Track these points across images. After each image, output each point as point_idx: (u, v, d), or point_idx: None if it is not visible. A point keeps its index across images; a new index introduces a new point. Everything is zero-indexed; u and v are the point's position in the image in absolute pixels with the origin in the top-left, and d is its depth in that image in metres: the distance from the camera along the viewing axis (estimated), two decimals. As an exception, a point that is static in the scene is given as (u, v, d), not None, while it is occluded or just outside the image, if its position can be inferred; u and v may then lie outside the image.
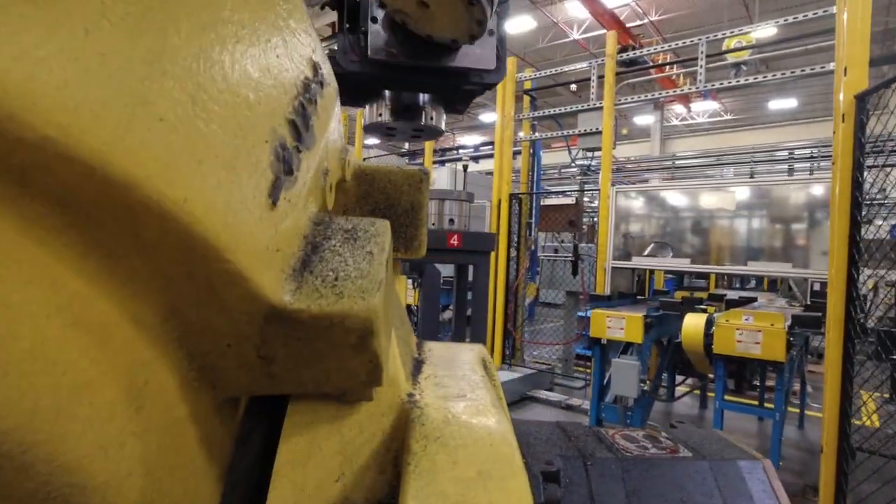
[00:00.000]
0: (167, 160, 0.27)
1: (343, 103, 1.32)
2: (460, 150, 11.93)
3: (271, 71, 0.40)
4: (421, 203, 0.68)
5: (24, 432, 0.24)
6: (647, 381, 4.93)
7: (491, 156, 8.02)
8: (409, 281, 7.27)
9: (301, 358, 0.38)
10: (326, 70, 0.55)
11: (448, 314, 6.99)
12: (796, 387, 5.80)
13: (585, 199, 10.48)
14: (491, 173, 8.00)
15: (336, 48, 1.09)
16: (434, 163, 9.87)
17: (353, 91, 1.22)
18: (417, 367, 0.51)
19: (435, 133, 1.36)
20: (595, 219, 7.49)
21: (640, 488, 0.83)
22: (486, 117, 21.59)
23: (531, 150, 8.16)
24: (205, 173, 0.30)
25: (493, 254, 6.80)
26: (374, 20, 1.04)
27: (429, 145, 8.88)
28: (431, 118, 1.30)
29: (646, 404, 4.67)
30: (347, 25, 1.07)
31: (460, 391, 0.45)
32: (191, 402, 0.36)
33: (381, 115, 1.28)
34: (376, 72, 1.08)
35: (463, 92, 1.23)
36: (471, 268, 4.75)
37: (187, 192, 0.29)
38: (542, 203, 7.49)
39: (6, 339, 0.23)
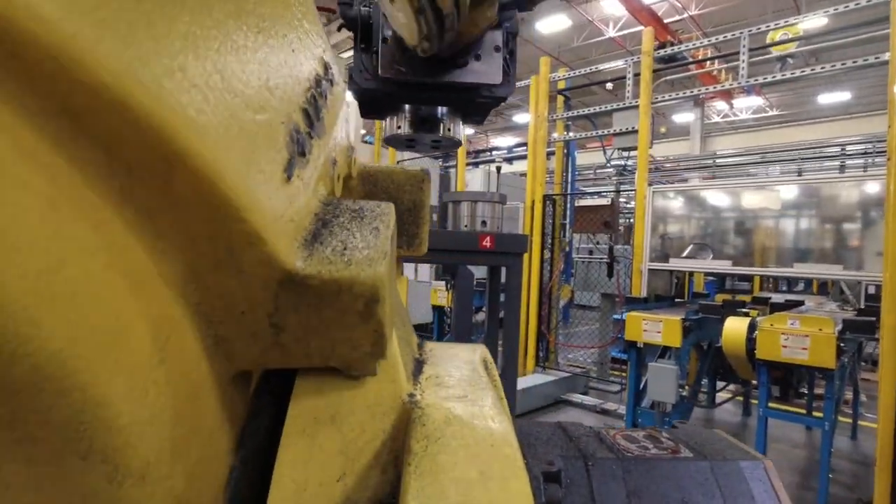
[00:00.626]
0: (201, 120, 0.30)
1: (364, 116, 1.37)
2: (494, 152, 11.89)
3: (288, 63, 0.44)
4: (423, 202, 0.70)
5: (66, 357, 0.26)
6: (686, 387, 4.78)
7: (525, 157, 7.96)
8: (443, 282, 7.30)
9: (310, 327, 0.39)
10: (335, 70, 0.58)
11: (482, 316, 6.97)
12: (849, 395, 5.50)
13: (622, 199, 10.25)
14: (525, 175, 7.94)
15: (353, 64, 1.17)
16: (467, 165, 9.87)
17: (371, 105, 1.29)
18: (418, 367, 0.51)
19: (453, 143, 1.41)
20: (632, 220, 7.31)
21: (641, 488, 0.83)
22: (520, 118, 21.45)
23: (565, 151, 8.05)
24: (231, 139, 0.33)
25: (526, 255, 6.73)
26: (385, 40, 1.11)
27: (461, 147, 8.89)
28: (449, 129, 1.36)
29: (685, 410, 4.54)
30: (362, 45, 1.14)
31: (462, 391, 0.45)
32: (206, 370, 0.38)
33: (399, 127, 1.35)
34: (389, 88, 1.14)
35: (476, 104, 1.27)
36: (503, 269, 4.72)
37: (216, 151, 0.31)
38: (576, 204, 7.38)
39: (57, 267, 0.25)
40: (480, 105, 1.27)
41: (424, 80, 1.11)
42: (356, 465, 0.37)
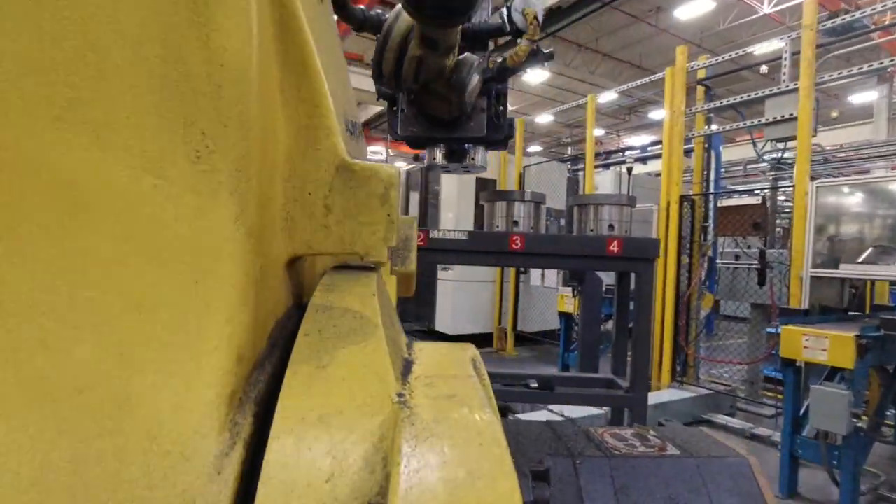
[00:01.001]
0: (319, 61, 0.56)
1: (411, 148, 1.95)
2: (626, 153, 11.24)
3: (344, 88, 0.76)
4: (412, 236, 1.03)
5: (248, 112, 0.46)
6: (864, 417, 4.02)
7: (660, 156, 7.38)
8: (570, 289, 7.07)
9: (348, 209, 0.57)
10: (360, 128, 0.94)
11: (611, 324, 6.61)
12: None
13: (781, 197, 8.95)
14: (660, 174, 7.37)
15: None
16: (597, 167, 9.46)
17: (410, 143, 1.85)
18: (407, 367, 0.52)
19: (479, 168, 1.93)
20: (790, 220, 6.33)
21: (628, 486, 0.87)
22: (655, 114, 19.96)
23: (706, 146, 7.29)
24: (331, 84, 0.57)
25: (660, 261, 6.22)
26: (402, 110, 1.67)
27: (589, 149, 8.55)
28: (473, 158, 1.87)
29: (861, 444, 3.82)
30: (393, 109, 1.70)
31: (450, 391, 0.45)
32: (277, 235, 0.53)
33: (434, 158, 1.86)
34: (410, 142, 1.73)
35: (487, 143, 1.80)
36: (633, 276, 4.44)
37: (323, 80, 0.55)
38: (719, 204, 6.65)
39: (255, 82, 0.46)
40: (490, 143, 1.80)
41: (430, 136, 1.68)
42: (344, 466, 0.37)
